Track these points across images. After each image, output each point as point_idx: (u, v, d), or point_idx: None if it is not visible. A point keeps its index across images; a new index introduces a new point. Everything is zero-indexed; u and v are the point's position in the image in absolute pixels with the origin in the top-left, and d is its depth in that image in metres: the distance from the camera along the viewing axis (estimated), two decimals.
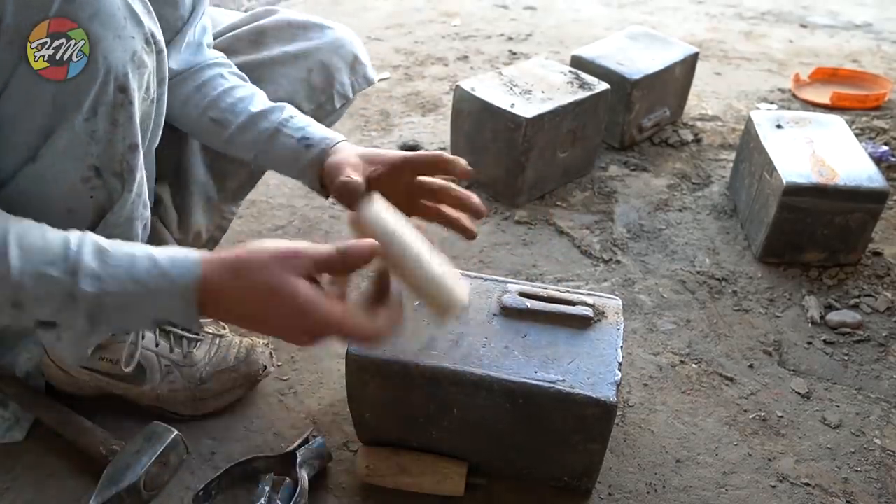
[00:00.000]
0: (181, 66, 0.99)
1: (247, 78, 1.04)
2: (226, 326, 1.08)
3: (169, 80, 0.94)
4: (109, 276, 0.66)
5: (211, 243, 1.20)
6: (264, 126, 0.96)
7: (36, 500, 0.91)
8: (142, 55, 0.74)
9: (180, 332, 1.02)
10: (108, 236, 0.78)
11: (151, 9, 0.76)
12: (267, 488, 0.89)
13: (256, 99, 0.99)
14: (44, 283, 0.64)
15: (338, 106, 1.18)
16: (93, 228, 0.79)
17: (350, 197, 0.86)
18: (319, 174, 0.93)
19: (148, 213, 0.87)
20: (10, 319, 0.66)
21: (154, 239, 1.06)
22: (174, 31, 0.97)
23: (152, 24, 0.75)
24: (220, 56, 1.05)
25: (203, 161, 1.14)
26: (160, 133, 0.88)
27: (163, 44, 0.79)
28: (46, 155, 0.72)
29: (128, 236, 0.84)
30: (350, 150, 0.92)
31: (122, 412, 1.02)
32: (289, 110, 0.97)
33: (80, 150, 0.73)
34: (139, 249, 0.68)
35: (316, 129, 0.95)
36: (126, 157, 0.77)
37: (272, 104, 0.98)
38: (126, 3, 0.71)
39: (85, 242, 0.66)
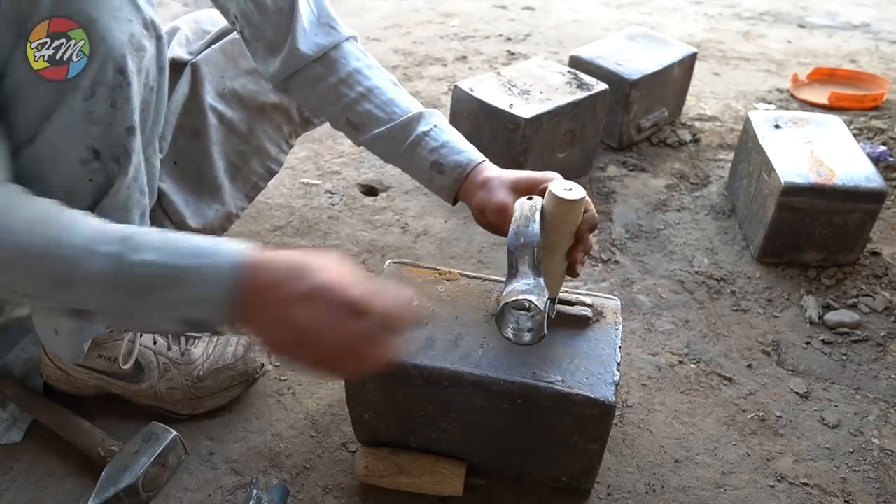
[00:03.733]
0: (313, 49, 0.95)
1: (376, 66, 1.00)
2: None
3: (303, 67, 0.95)
4: (162, 241, 0.65)
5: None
6: (400, 139, 0.95)
7: (34, 500, 0.91)
8: (140, 39, 0.74)
9: None
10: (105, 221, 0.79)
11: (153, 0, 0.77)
12: (255, 491, 0.88)
13: (395, 105, 0.96)
14: (103, 259, 0.63)
15: None
16: (90, 212, 0.80)
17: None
18: (453, 196, 0.94)
19: (146, 201, 0.87)
20: (45, 297, 0.65)
21: None
22: (287, 12, 0.93)
23: (151, 12, 0.76)
24: (352, 36, 1.01)
25: (221, 158, 1.15)
26: (161, 123, 0.88)
27: (162, 30, 0.79)
28: (45, 135, 0.72)
29: (124, 222, 0.82)
30: (495, 185, 0.90)
31: (120, 412, 1.02)
32: (427, 121, 0.95)
33: (78, 131, 0.73)
34: (176, 233, 0.68)
35: (450, 151, 0.93)
36: (123, 140, 0.77)
37: (413, 112, 0.95)
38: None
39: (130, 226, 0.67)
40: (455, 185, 0.93)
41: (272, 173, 1.25)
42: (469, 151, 0.95)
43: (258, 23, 0.93)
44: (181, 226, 1.12)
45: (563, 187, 0.81)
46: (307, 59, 0.95)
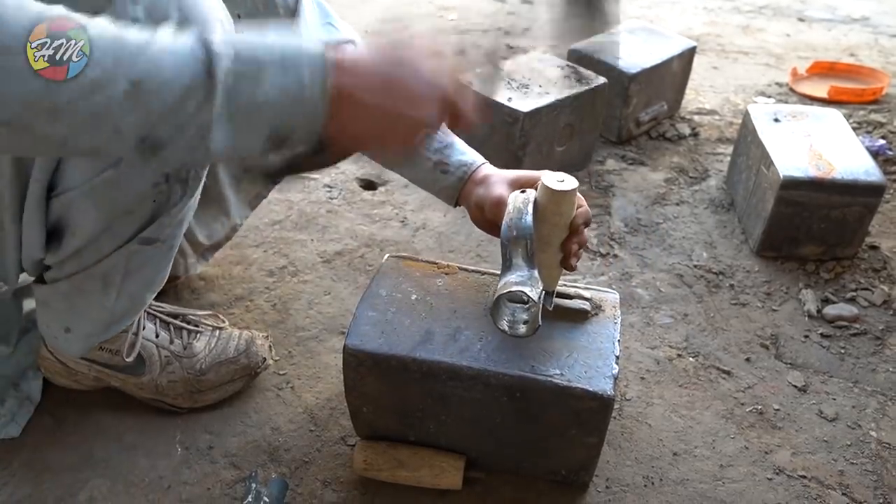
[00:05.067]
0: None
1: None
2: (225, 320, 1.08)
3: None
4: (238, 40, 0.58)
5: (214, 249, 1.21)
6: None
7: (33, 495, 0.91)
8: None
9: (181, 323, 1.02)
10: (157, 235, 0.82)
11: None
12: (254, 485, 0.88)
13: None
14: (175, 58, 0.55)
15: None
16: (145, 227, 0.82)
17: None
18: (456, 196, 0.94)
19: (191, 214, 0.89)
20: (113, 123, 0.55)
21: None
22: (293, 9, 0.94)
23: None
24: (351, 40, 0.99)
25: (225, 171, 1.15)
26: None
27: None
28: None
29: (173, 236, 0.86)
30: (493, 181, 0.90)
31: (120, 406, 1.02)
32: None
33: None
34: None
35: (453, 151, 0.93)
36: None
37: None
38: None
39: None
40: (459, 185, 0.93)
41: (276, 184, 1.25)
42: (471, 153, 0.95)
43: (263, 21, 0.93)
44: (191, 239, 1.13)
45: (556, 179, 0.81)
46: None
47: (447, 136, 0.95)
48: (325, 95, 0.59)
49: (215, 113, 0.57)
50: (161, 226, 0.82)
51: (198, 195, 0.85)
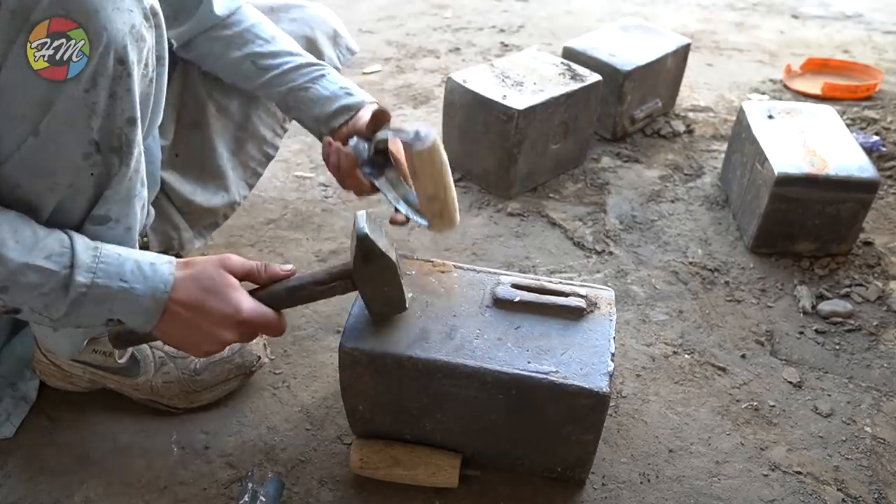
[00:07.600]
0: (224, 11, 1.07)
1: (269, 22, 1.12)
2: None
3: (211, 28, 1.07)
4: (101, 270, 0.74)
5: (212, 227, 1.22)
6: (307, 71, 1.07)
7: (28, 496, 0.91)
8: (140, 29, 0.75)
9: None
10: (107, 212, 0.82)
11: None
12: (251, 485, 0.88)
13: (291, 50, 1.08)
14: (41, 274, 0.72)
15: None
16: (93, 205, 0.81)
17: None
18: (341, 122, 1.04)
19: (146, 192, 0.88)
20: None
21: (162, 219, 1.11)
22: None
23: (153, 0, 0.77)
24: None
25: (222, 146, 1.17)
26: (161, 114, 0.88)
27: (161, 19, 0.80)
28: (48, 127, 0.72)
29: (125, 214, 0.85)
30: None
31: (116, 407, 1.02)
32: (324, 67, 1.08)
33: (81, 123, 0.73)
34: (124, 251, 0.77)
35: (349, 91, 1.06)
36: (124, 130, 0.77)
37: (313, 61, 1.08)
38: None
39: (77, 240, 0.75)
40: (358, 107, 1.04)
41: (269, 158, 1.26)
42: (361, 94, 1.06)
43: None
44: (186, 208, 1.16)
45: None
46: (219, 19, 1.06)
47: (340, 79, 1.06)
48: (156, 318, 0.78)
49: (57, 317, 0.74)
50: (108, 201, 0.81)
51: (140, 168, 0.84)
